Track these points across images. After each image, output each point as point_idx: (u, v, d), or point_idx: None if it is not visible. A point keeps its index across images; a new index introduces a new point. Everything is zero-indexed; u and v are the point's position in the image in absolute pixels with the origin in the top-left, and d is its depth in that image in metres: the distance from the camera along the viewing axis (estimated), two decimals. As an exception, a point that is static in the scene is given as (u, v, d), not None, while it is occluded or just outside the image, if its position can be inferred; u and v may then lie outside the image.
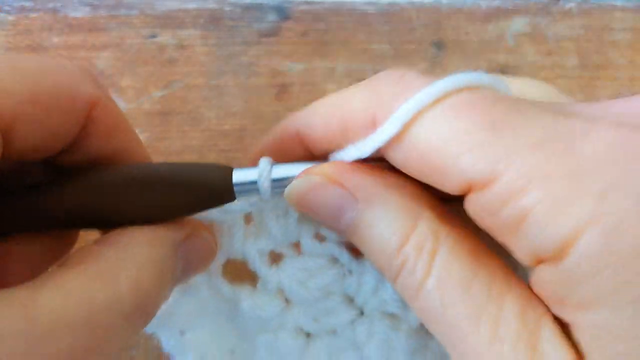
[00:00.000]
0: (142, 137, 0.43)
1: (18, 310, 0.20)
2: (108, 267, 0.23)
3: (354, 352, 0.33)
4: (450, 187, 0.23)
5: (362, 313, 0.32)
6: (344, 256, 0.30)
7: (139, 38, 0.46)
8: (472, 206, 0.23)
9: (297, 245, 0.31)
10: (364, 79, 0.45)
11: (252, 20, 0.47)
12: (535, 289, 0.23)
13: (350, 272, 0.31)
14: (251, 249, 0.30)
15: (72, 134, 0.26)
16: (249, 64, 0.46)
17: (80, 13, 0.47)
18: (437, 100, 0.23)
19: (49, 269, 0.25)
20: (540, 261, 0.22)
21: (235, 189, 0.27)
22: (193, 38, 0.46)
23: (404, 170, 0.25)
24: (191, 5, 0.47)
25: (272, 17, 0.47)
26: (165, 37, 0.46)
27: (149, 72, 0.45)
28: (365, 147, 0.25)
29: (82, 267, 0.23)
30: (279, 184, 0.27)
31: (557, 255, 0.21)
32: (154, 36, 0.46)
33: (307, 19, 0.47)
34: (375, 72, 0.46)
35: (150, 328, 0.31)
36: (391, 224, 0.24)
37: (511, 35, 0.47)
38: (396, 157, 0.24)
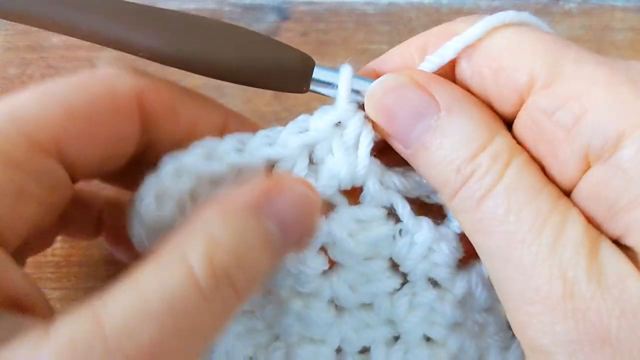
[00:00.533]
0: (142, 137, 0.43)
1: (88, 320, 0.19)
2: (175, 250, 0.21)
3: (385, 328, 0.31)
4: (513, 87, 0.25)
5: (406, 282, 0.30)
6: (405, 208, 0.29)
7: (139, 38, 0.46)
8: (529, 110, 0.25)
9: (354, 195, 0.29)
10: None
11: (252, 20, 0.47)
12: (584, 205, 0.24)
13: (401, 233, 0.29)
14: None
15: (134, 134, 0.25)
16: (249, 64, 0.46)
17: (80, 13, 0.47)
18: (502, 25, 0.26)
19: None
20: (588, 165, 0.23)
21: (311, 84, 0.28)
22: (193, 38, 0.46)
23: (470, 82, 0.27)
24: (191, 5, 0.47)
25: (272, 17, 0.47)
26: (165, 37, 0.46)
27: (148, 72, 0.45)
28: (446, 52, 0.27)
29: (150, 258, 0.21)
30: (355, 96, 0.28)
31: (609, 151, 0.22)
32: (154, 36, 0.46)
33: (307, 19, 0.47)
34: (375, 72, 0.46)
35: None
36: (470, 134, 0.25)
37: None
38: (467, 65, 0.26)
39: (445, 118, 0.25)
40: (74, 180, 0.25)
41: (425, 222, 0.29)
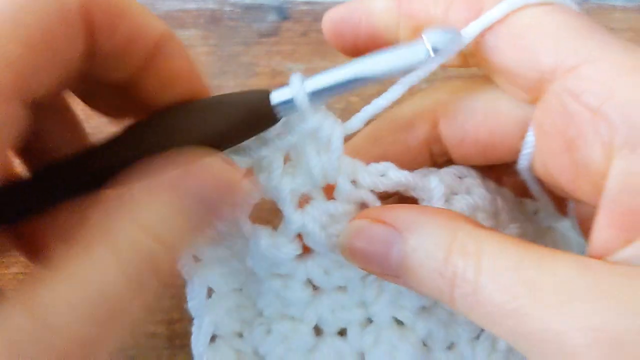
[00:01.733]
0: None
1: (22, 315, 0.20)
2: (106, 239, 0.22)
3: (359, 310, 0.34)
4: (536, 67, 0.25)
5: None
6: (375, 203, 0.31)
7: (139, 38, 0.46)
8: (557, 93, 0.25)
9: (329, 190, 0.31)
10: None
11: (252, 20, 0.47)
12: (617, 198, 0.24)
13: None
14: (285, 186, 0.30)
15: (83, 46, 0.24)
16: (249, 64, 0.46)
17: (80, 13, 0.47)
18: (532, 4, 0.26)
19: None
20: (611, 153, 0.24)
21: (277, 110, 0.28)
22: (193, 38, 0.46)
23: (491, 56, 0.27)
24: (191, 6, 0.47)
25: (272, 17, 0.47)
26: (166, 37, 0.46)
27: None
28: (472, 30, 0.27)
29: (83, 247, 0.22)
30: (317, 97, 0.28)
31: (637, 138, 0.23)
32: (154, 36, 0.46)
33: (307, 19, 0.47)
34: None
35: None
36: (433, 241, 0.26)
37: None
38: (492, 40, 0.27)
39: (410, 237, 0.26)
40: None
41: None
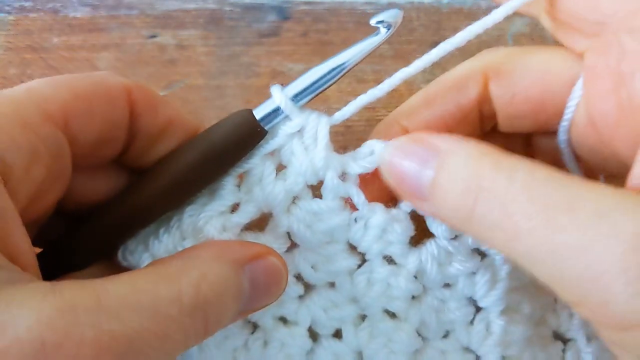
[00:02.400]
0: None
1: (89, 292, 0.23)
2: (173, 271, 0.26)
3: (350, 306, 0.34)
4: (598, 10, 0.27)
5: (364, 261, 0.33)
6: (360, 197, 0.32)
7: (139, 38, 0.46)
8: (615, 32, 0.26)
9: (317, 188, 0.32)
10: (364, 80, 0.45)
11: (252, 20, 0.47)
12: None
13: (356, 220, 0.32)
14: (279, 191, 0.31)
15: (124, 121, 0.29)
16: (249, 64, 0.46)
17: (80, 13, 0.47)
18: None
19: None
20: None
21: (264, 123, 0.30)
22: (193, 38, 0.46)
23: (560, 6, 0.28)
24: (191, 6, 0.47)
25: (272, 17, 0.47)
26: (166, 37, 0.46)
27: (149, 72, 0.45)
28: None
29: (150, 269, 0.26)
30: (300, 97, 0.30)
31: None
32: (154, 36, 0.46)
33: (307, 19, 0.47)
34: (375, 72, 0.46)
35: None
36: (468, 160, 0.26)
37: (511, 35, 0.47)
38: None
39: (445, 155, 0.27)
40: (73, 159, 0.29)
41: (378, 207, 0.32)
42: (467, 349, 0.34)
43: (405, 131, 0.33)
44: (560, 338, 0.35)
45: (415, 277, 0.33)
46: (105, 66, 0.45)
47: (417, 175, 0.28)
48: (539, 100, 0.31)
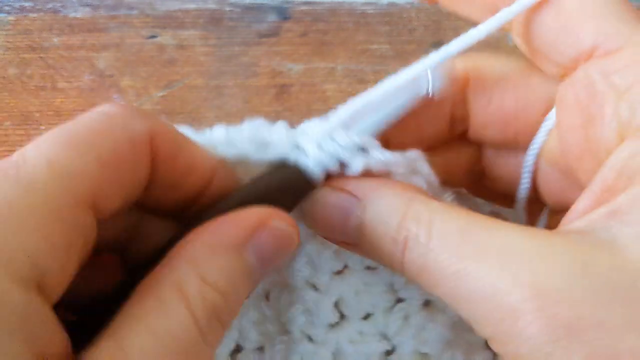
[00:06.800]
0: (142, 137, 0.43)
1: (113, 351, 0.21)
2: (174, 289, 0.24)
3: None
4: (575, 46, 0.27)
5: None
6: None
7: (139, 38, 0.46)
8: (588, 70, 0.26)
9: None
10: (364, 80, 0.45)
11: (252, 20, 0.47)
12: (602, 176, 0.25)
13: None
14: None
15: (147, 171, 0.26)
16: (249, 64, 0.46)
17: (80, 13, 0.47)
18: None
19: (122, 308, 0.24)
20: (625, 134, 0.24)
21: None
22: (193, 38, 0.46)
23: (538, 28, 0.28)
24: (191, 6, 0.47)
25: (272, 17, 0.47)
26: (165, 37, 0.46)
27: (149, 72, 0.45)
28: (516, 8, 0.28)
29: (150, 295, 0.24)
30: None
31: None
32: (154, 36, 0.46)
33: (307, 19, 0.47)
34: (375, 72, 0.46)
35: None
36: (389, 208, 0.27)
37: (511, 35, 0.47)
38: (540, 14, 0.28)
39: (367, 204, 0.27)
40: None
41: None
42: (384, 336, 0.34)
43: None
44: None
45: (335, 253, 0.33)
46: (105, 66, 0.45)
47: (342, 224, 0.28)
48: (512, 110, 0.31)
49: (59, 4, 0.47)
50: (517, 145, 0.32)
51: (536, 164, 0.32)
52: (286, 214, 0.28)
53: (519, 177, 0.33)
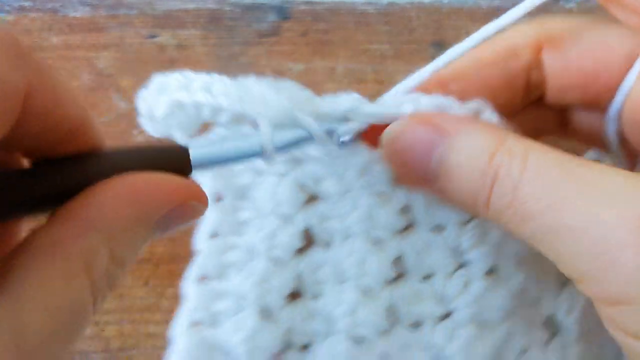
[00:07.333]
0: (142, 137, 0.43)
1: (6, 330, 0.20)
2: (77, 269, 0.23)
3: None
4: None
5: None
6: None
7: (139, 38, 0.46)
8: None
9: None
10: (364, 80, 0.45)
11: (252, 20, 0.47)
12: None
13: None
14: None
15: (14, 119, 0.23)
16: (249, 64, 0.46)
17: (80, 13, 0.47)
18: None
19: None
20: None
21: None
22: (193, 38, 0.46)
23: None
24: (191, 5, 0.47)
25: (272, 17, 0.47)
26: (165, 37, 0.46)
27: (149, 72, 0.45)
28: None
29: (50, 268, 0.22)
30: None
31: None
32: (154, 36, 0.46)
33: (307, 19, 0.47)
34: (376, 72, 0.46)
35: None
36: (479, 143, 0.26)
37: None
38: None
39: (455, 138, 0.26)
40: None
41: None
42: (441, 300, 0.33)
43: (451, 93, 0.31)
44: (550, 327, 0.34)
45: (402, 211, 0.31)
46: (105, 66, 0.45)
47: (423, 159, 0.27)
48: (591, 72, 0.30)
49: (58, 4, 0.47)
50: (600, 104, 0.31)
51: (622, 117, 0.31)
52: (203, 191, 0.26)
53: (604, 134, 0.32)
